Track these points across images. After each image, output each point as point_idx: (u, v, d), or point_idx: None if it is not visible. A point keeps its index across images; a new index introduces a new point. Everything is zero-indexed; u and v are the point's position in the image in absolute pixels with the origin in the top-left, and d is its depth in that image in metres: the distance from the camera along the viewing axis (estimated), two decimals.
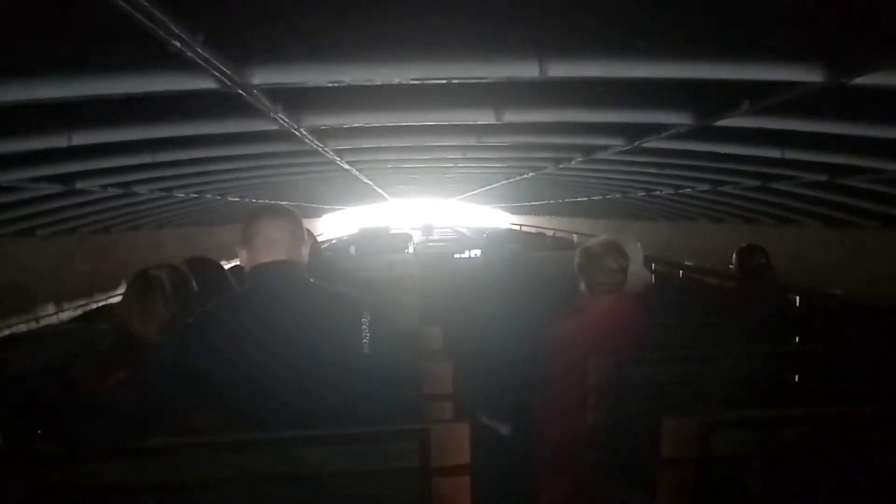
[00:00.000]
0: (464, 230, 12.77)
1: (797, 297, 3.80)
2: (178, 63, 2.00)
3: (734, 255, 3.37)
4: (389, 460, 1.50)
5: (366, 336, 1.56)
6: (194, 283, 1.94)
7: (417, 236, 9.97)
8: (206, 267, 2.32)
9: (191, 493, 1.45)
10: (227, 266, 2.52)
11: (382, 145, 4.37)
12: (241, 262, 1.66)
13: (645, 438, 1.99)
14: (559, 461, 2.28)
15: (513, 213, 20.63)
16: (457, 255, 7.41)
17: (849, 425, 1.73)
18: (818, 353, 3.17)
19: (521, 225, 17.58)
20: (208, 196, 6.85)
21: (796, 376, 3.23)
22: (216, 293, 2.13)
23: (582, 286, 2.39)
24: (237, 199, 7.79)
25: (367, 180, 7.05)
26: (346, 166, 5.49)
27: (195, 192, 6.39)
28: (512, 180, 8.57)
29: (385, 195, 11.53)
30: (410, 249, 7.53)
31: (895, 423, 1.75)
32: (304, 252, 1.67)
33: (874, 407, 1.80)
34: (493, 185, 10.33)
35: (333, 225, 18.44)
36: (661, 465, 1.75)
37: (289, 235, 1.63)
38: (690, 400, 2.24)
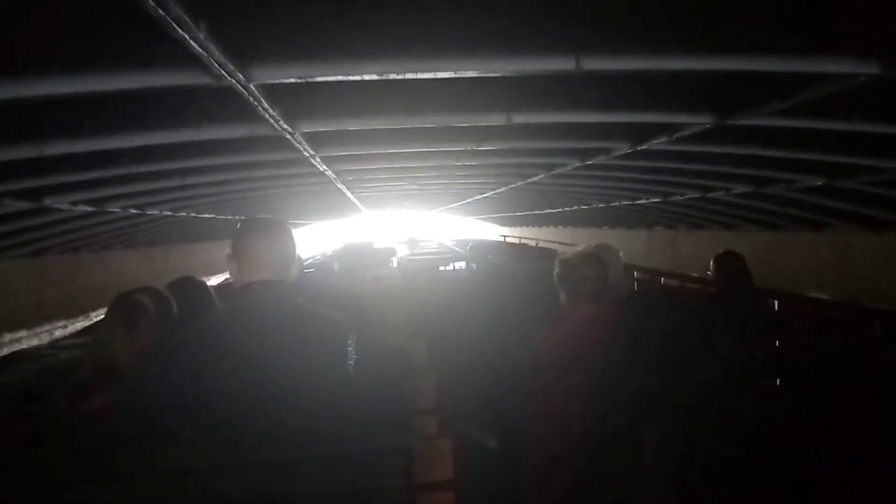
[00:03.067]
0: (448, 243, 12.80)
1: (776, 302, 3.85)
2: None
3: (711, 262, 3.41)
4: (373, 478, 1.50)
5: (352, 358, 1.56)
6: (175, 306, 1.92)
7: (402, 250, 9.95)
8: (189, 288, 2.30)
9: None
10: (212, 282, 2.51)
11: (363, 129, 3.63)
12: (230, 274, 1.65)
13: (628, 444, 2.01)
14: (546, 471, 2.29)
15: (503, 225, 20.44)
16: (441, 268, 7.40)
17: (825, 429, 1.76)
18: (798, 357, 3.23)
19: (507, 237, 17.34)
20: (155, 212, 6.35)
21: (777, 380, 3.28)
22: (199, 314, 2.12)
23: (562, 296, 2.41)
24: (188, 214, 7.12)
25: (334, 178, 6.27)
26: (322, 167, 4.96)
27: (134, 208, 5.76)
28: (499, 191, 8.46)
29: (360, 206, 11.30)
30: (395, 264, 7.52)
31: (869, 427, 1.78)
32: (294, 269, 1.67)
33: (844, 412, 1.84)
34: (480, 196, 10.19)
35: (311, 240, 18.23)
36: (643, 470, 1.77)
37: (277, 255, 1.63)
38: (672, 406, 2.26)
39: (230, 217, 8.81)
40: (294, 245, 1.69)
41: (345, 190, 7.42)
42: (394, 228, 19.73)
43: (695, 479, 2.09)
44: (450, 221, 21.95)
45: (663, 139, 3.66)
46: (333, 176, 5.80)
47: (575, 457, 2.18)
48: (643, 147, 3.96)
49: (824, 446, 2.25)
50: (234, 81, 2.24)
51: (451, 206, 14.22)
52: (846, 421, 2.33)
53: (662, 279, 4.97)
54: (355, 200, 9.74)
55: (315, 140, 3.80)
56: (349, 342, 1.56)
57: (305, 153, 3.99)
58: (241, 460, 1.45)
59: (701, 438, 2.29)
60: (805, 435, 2.43)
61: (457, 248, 10.17)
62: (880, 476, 1.82)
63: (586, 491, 2.17)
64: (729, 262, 3.37)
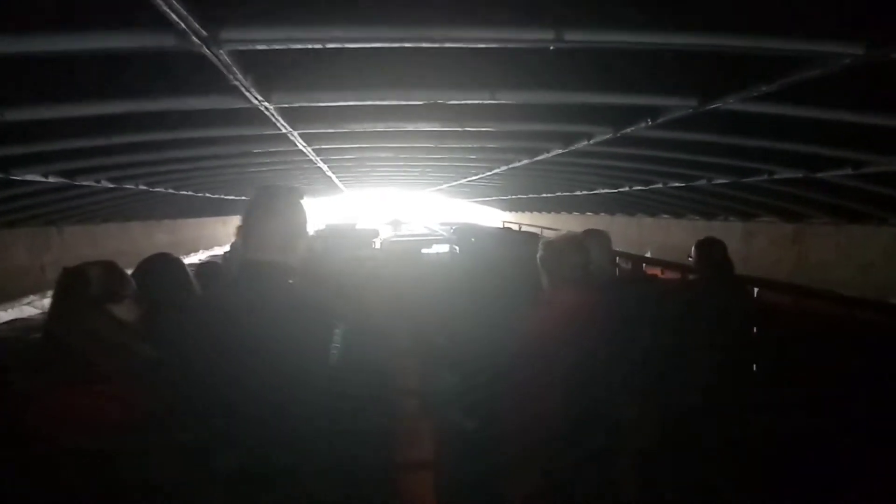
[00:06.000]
0: (434, 226, 12.78)
1: (755, 289, 3.91)
2: None
3: (693, 249, 3.44)
4: (354, 458, 1.50)
5: (335, 347, 1.54)
6: (134, 282, 1.82)
7: (386, 231, 9.90)
8: (164, 264, 2.25)
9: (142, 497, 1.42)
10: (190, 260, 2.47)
11: (342, 104, 3.49)
12: (236, 247, 1.65)
13: (608, 428, 2.03)
14: (527, 454, 2.30)
15: (503, 209, 19.63)
16: (425, 251, 7.39)
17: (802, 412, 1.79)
18: (775, 343, 3.27)
19: (510, 222, 16.51)
20: (131, 186, 5.96)
21: (754, 365, 3.33)
22: (174, 292, 2.09)
23: (545, 280, 2.41)
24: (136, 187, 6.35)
25: (314, 156, 5.88)
26: (301, 144, 4.73)
27: (109, 182, 5.43)
28: (483, 175, 8.23)
29: (341, 186, 11.00)
30: (377, 245, 7.49)
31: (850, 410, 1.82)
32: (301, 245, 1.67)
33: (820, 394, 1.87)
34: (465, 180, 9.98)
35: None
36: (625, 453, 1.79)
37: (282, 235, 1.63)
38: (654, 390, 2.29)
39: (208, 195, 8.46)
40: (303, 222, 1.68)
41: (325, 169, 7.22)
42: (378, 209, 19.60)
43: (674, 461, 2.12)
44: (439, 203, 21.78)
45: (645, 124, 3.64)
46: (314, 154, 5.61)
47: (554, 441, 2.19)
48: (626, 132, 3.91)
49: (803, 429, 2.30)
50: (201, 44, 2.12)
51: (438, 187, 13.97)
52: (824, 405, 2.38)
53: (644, 265, 5.02)
54: (336, 180, 9.51)
55: (291, 115, 3.66)
56: (336, 331, 1.55)
57: (282, 129, 3.83)
58: (217, 439, 1.45)
59: (680, 422, 2.32)
60: (783, 418, 2.48)
61: (441, 231, 10.17)
62: (857, 451, 1.86)
63: (566, 474, 2.19)
64: (710, 250, 3.40)
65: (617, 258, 5.26)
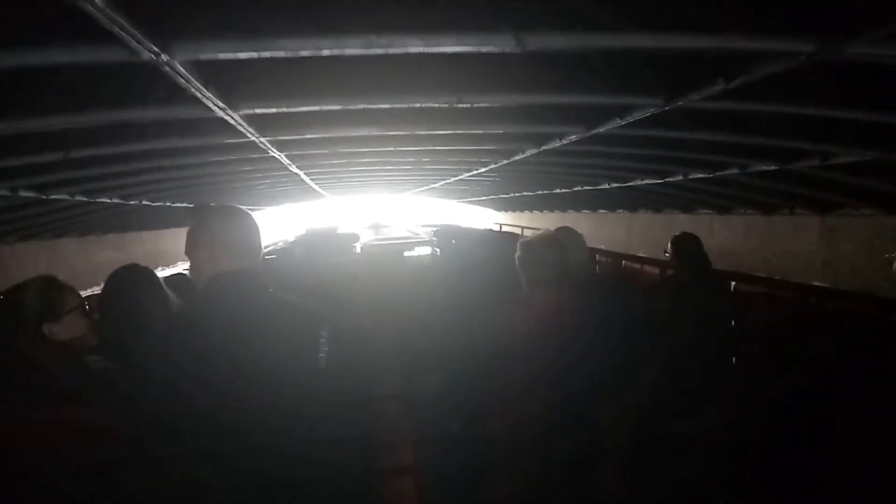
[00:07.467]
0: (416, 228, 12.73)
1: (732, 283, 3.96)
2: None
3: (669, 244, 3.48)
4: (335, 465, 1.49)
5: (323, 350, 1.53)
6: (73, 298, 1.75)
7: (367, 235, 9.86)
8: (135, 277, 2.21)
9: None
10: (164, 272, 2.44)
11: (307, 111, 3.32)
12: (199, 261, 1.58)
13: (588, 426, 2.04)
14: (509, 456, 2.30)
15: (496, 209, 19.04)
16: (406, 254, 7.38)
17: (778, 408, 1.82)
18: (753, 336, 3.32)
19: (498, 223, 15.92)
20: (105, 199, 5.71)
21: (733, 358, 3.38)
22: (150, 305, 2.06)
23: (523, 281, 2.42)
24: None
25: (287, 162, 5.67)
26: (273, 151, 4.62)
27: (82, 195, 5.22)
28: (462, 177, 8.14)
29: (321, 191, 10.81)
30: (358, 249, 7.46)
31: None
32: (260, 256, 1.64)
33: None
34: (443, 182, 9.89)
35: (272, 226, 17.75)
36: (603, 450, 1.80)
37: (249, 242, 1.60)
38: (633, 387, 2.30)
39: (186, 205, 8.17)
40: (260, 232, 1.66)
41: (302, 175, 7.09)
42: (358, 213, 19.50)
43: (655, 460, 2.14)
44: (422, 205, 21.69)
45: (616, 122, 3.60)
46: (287, 160, 5.50)
47: (536, 442, 2.20)
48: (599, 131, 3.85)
49: (784, 423, 2.33)
50: (152, 57, 2.06)
51: (419, 189, 13.86)
52: (802, 395, 2.41)
53: (623, 262, 5.05)
54: (315, 186, 9.35)
55: (258, 123, 3.58)
56: (322, 333, 1.54)
57: (251, 137, 3.74)
58: (204, 448, 1.44)
59: (661, 419, 2.34)
60: (763, 412, 2.51)
61: (422, 234, 10.15)
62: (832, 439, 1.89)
63: (549, 474, 2.20)
64: (686, 245, 3.44)
65: (597, 255, 5.30)
